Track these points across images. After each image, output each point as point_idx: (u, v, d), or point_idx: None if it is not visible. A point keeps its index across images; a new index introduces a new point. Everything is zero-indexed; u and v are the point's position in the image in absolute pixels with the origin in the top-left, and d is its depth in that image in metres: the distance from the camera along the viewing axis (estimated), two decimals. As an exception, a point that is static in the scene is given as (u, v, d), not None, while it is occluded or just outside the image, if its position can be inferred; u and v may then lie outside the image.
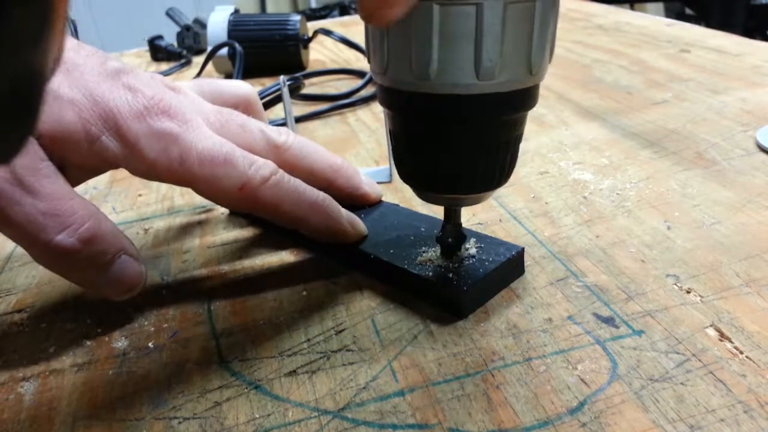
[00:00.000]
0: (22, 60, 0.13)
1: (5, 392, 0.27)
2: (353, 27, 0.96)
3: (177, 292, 0.33)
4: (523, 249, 0.31)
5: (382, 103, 0.27)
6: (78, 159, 0.29)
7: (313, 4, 2.87)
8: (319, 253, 0.35)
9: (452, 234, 0.30)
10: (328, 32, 0.74)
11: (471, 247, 0.31)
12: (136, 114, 0.29)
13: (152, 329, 0.30)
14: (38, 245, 0.27)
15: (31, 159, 0.27)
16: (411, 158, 0.28)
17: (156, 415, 0.25)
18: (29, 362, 0.29)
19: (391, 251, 0.32)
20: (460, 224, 0.30)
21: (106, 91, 0.29)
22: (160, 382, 0.27)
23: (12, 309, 0.33)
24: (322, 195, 0.32)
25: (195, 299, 0.32)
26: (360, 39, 0.72)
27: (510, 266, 0.31)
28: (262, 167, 0.30)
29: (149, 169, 0.29)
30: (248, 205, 0.31)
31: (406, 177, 0.28)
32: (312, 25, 0.88)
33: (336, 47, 0.85)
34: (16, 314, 0.33)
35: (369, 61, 0.26)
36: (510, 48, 0.23)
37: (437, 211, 0.39)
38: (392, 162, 0.44)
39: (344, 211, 0.33)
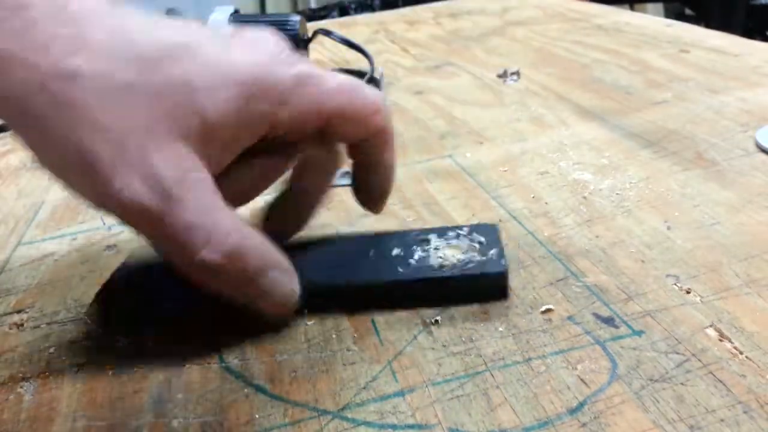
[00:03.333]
0: None
1: (5, 392, 0.27)
2: (353, 27, 0.96)
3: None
4: (505, 270, 0.30)
5: None
6: (239, 138, 0.28)
7: (313, 5, 2.87)
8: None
9: None
10: (328, 32, 0.74)
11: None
12: (275, 63, 0.28)
13: (152, 329, 0.30)
14: (185, 260, 0.26)
15: (182, 172, 0.25)
16: None
17: (156, 415, 0.25)
18: (29, 362, 0.29)
19: (398, 270, 0.30)
20: None
21: (237, 61, 0.27)
22: (160, 382, 0.27)
23: (12, 309, 0.33)
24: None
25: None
26: (360, 39, 0.72)
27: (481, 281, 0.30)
28: (382, 101, 0.31)
29: (298, 114, 0.28)
30: (373, 132, 0.30)
31: None
32: (312, 26, 0.88)
33: (336, 47, 0.85)
34: (16, 314, 0.33)
35: None
36: None
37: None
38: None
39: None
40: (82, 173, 0.25)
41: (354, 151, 0.32)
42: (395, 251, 0.32)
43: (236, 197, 0.29)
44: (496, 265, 0.30)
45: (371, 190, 0.34)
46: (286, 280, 0.28)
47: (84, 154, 0.25)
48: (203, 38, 0.27)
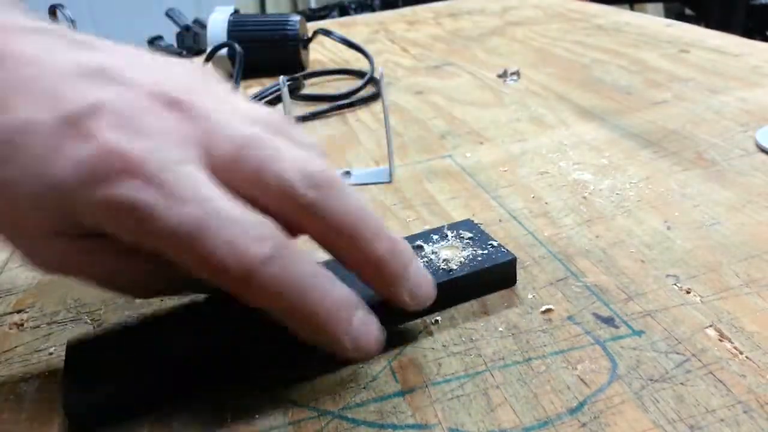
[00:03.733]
0: None
1: (5, 392, 0.27)
2: (353, 27, 0.96)
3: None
4: (514, 258, 0.30)
5: None
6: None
7: (313, 5, 2.87)
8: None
9: None
10: (327, 32, 0.74)
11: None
12: (89, 182, 0.22)
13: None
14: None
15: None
16: None
17: (156, 415, 0.25)
18: (29, 362, 0.29)
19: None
20: None
21: (55, 161, 0.22)
22: (160, 382, 0.27)
23: (12, 309, 0.33)
24: (344, 294, 0.24)
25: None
26: (359, 39, 0.72)
27: (496, 273, 0.30)
28: (261, 243, 0.22)
29: (117, 237, 0.24)
30: (239, 292, 0.23)
31: None
32: (312, 26, 0.88)
33: (336, 47, 0.85)
34: (16, 314, 0.33)
35: None
36: None
37: (437, 211, 0.38)
38: (392, 162, 0.44)
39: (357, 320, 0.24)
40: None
41: None
42: None
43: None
44: (505, 255, 0.30)
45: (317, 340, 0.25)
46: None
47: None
48: (35, 131, 0.22)
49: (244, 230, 0.22)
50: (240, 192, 0.23)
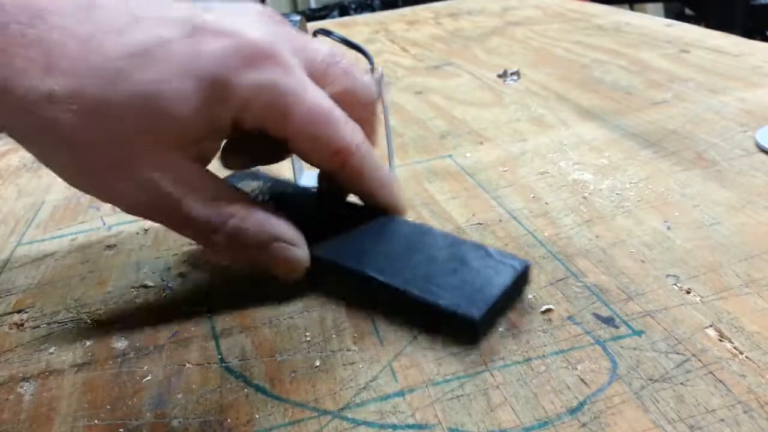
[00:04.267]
0: None
1: (5, 392, 0.27)
2: (353, 27, 0.96)
3: (177, 292, 0.33)
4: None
5: None
6: (207, 138, 0.29)
7: (313, 5, 2.87)
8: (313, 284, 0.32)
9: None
10: (328, 32, 0.74)
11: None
12: (242, 67, 0.27)
13: (152, 329, 0.30)
14: (201, 243, 0.31)
15: (174, 174, 0.28)
16: None
17: (156, 415, 0.25)
18: (29, 362, 0.29)
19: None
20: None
21: (199, 55, 0.27)
22: (160, 382, 0.27)
23: (12, 309, 0.33)
24: (387, 169, 0.33)
25: (195, 299, 0.32)
26: (360, 39, 0.72)
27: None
28: (357, 132, 0.31)
29: (258, 122, 0.29)
30: (334, 168, 0.31)
31: None
32: (312, 26, 0.88)
33: (336, 47, 0.85)
34: (16, 314, 0.33)
35: None
36: None
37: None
38: (392, 162, 0.44)
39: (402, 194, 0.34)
40: (84, 184, 0.29)
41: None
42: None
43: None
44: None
45: (375, 203, 0.34)
46: (289, 250, 0.30)
47: (79, 169, 0.28)
48: (174, 35, 0.27)
49: (347, 122, 0.30)
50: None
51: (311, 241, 0.31)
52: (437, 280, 0.28)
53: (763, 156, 0.41)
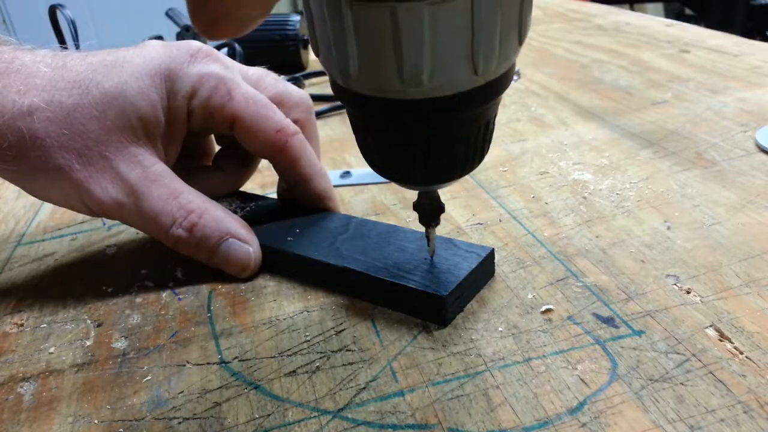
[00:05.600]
0: None
1: (5, 392, 0.27)
2: (353, 27, 0.96)
3: (177, 292, 0.33)
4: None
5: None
6: (167, 131, 0.33)
7: (313, 5, 2.86)
8: (291, 275, 0.34)
9: (427, 204, 0.29)
10: (327, 32, 0.74)
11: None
12: (186, 60, 0.33)
13: (152, 329, 0.30)
14: (162, 238, 0.33)
15: (142, 169, 0.32)
16: (366, 146, 0.26)
17: (156, 415, 0.25)
18: (29, 362, 0.29)
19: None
20: (437, 196, 0.29)
21: (153, 59, 0.33)
22: (160, 382, 0.27)
23: (12, 309, 0.33)
24: (322, 165, 0.37)
25: (195, 299, 0.33)
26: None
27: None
28: (292, 123, 0.35)
29: (205, 107, 0.33)
30: (276, 149, 0.35)
31: (367, 161, 0.26)
32: (312, 26, 0.88)
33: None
34: (16, 314, 0.33)
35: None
36: (441, 52, 0.20)
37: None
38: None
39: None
40: (66, 190, 0.32)
41: (274, 167, 0.37)
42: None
43: (224, 188, 0.38)
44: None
45: (307, 199, 0.37)
46: (242, 247, 0.33)
47: (60, 174, 0.31)
48: (129, 54, 0.33)
49: (282, 115, 0.35)
50: None
51: (293, 244, 0.34)
52: (407, 267, 0.30)
53: (763, 156, 0.41)
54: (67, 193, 0.32)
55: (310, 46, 0.26)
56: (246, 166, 0.40)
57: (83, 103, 0.31)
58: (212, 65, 0.34)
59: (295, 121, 0.36)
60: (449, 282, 0.28)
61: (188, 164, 0.37)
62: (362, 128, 0.25)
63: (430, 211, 0.29)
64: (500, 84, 0.23)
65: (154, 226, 0.32)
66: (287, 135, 0.35)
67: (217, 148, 0.41)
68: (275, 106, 0.35)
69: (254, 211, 0.37)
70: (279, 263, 0.34)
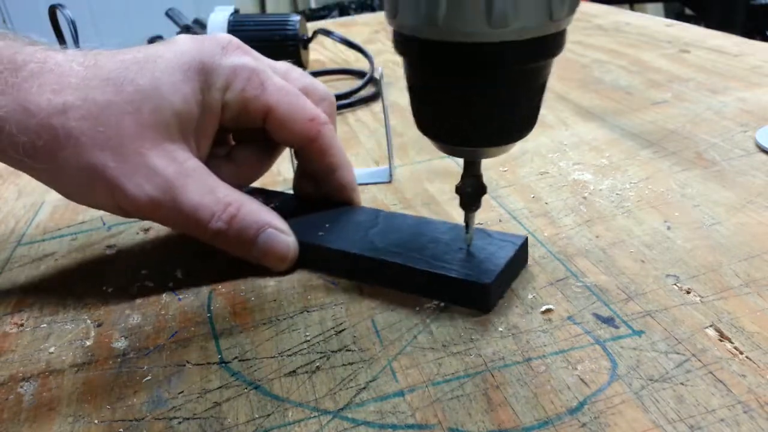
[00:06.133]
0: None
1: (5, 392, 0.27)
2: (353, 27, 0.96)
3: (177, 292, 0.33)
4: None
5: (396, 50, 0.26)
6: (201, 125, 0.33)
7: (313, 5, 2.87)
8: (325, 269, 0.34)
9: (471, 184, 0.29)
10: (327, 32, 0.74)
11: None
12: (218, 53, 0.33)
13: (152, 329, 0.30)
14: (200, 232, 0.33)
15: (177, 164, 0.32)
16: (425, 109, 0.27)
17: (156, 415, 0.25)
18: (29, 362, 0.29)
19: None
20: (480, 175, 0.29)
21: (185, 53, 0.33)
22: (160, 382, 0.27)
23: (12, 309, 0.33)
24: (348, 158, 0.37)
25: (195, 299, 0.33)
26: (360, 39, 0.72)
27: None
28: (322, 113, 0.35)
29: (240, 99, 0.34)
30: (310, 137, 0.35)
31: (422, 129, 0.28)
32: (312, 26, 0.88)
33: (336, 47, 0.85)
34: (16, 314, 0.33)
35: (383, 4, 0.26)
36: None
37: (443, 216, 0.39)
38: (392, 162, 0.44)
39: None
40: (99, 189, 0.31)
41: (301, 159, 0.38)
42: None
43: (234, 181, 0.36)
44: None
45: (332, 190, 0.37)
46: (281, 237, 0.33)
47: (94, 172, 0.31)
48: (159, 49, 0.33)
49: (313, 105, 0.35)
50: None
51: (325, 238, 0.34)
52: (445, 257, 0.31)
53: (763, 156, 0.41)
54: (101, 193, 0.31)
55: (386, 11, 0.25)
56: (260, 162, 0.39)
57: (117, 101, 0.31)
58: (244, 57, 0.34)
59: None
60: (491, 270, 0.29)
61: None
62: (435, 85, 0.25)
63: (473, 192, 0.29)
64: (563, 38, 0.25)
65: (194, 221, 0.32)
66: (320, 124, 0.35)
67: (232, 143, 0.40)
68: (305, 97, 0.35)
69: (279, 207, 0.36)
70: (311, 258, 0.34)
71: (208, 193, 0.32)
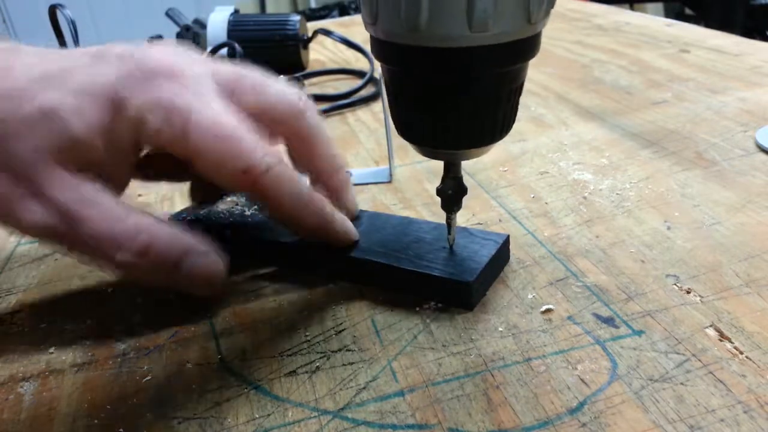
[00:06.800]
0: None
1: (5, 392, 0.27)
2: (353, 27, 0.96)
3: (177, 292, 0.33)
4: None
5: (374, 56, 0.27)
6: (107, 158, 0.29)
7: (313, 4, 2.87)
8: (310, 271, 0.34)
9: (452, 186, 0.30)
10: (327, 32, 0.74)
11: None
12: (137, 84, 0.28)
13: (152, 329, 0.30)
14: (104, 265, 0.29)
15: (73, 190, 0.28)
16: (406, 114, 0.27)
17: (156, 415, 0.25)
18: (29, 362, 0.29)
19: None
20: (461, 177, 0.30)
21: (101, 75, 0.28)
22: (160, 382, 0.27)
23: (12, 309, 0.33)
24: (318, 195, 0.31)
25: (195, 299, 0.32)
26: (360, 39, 0.72)
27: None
28: (268, 154, 0.29)
29: (157, 141, 0.29)
30: (247, 190, 0.30)
31: (401, 132, 0.28)
32: (312, 25, 0.88)
33: (336, 47, 0.85)
34: (16, 314, 0.33)
35: (361, 10, 0.26)
36: None
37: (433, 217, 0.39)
38: (392, 162, 0.44)
39: (338, 215, 0.32)
40: None
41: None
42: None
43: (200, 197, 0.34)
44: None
45: (300, 230, 0.32)
46: (205, 261, 0.30)
47: None
48: (78, 64, 0.29)
49: (256, 141, 0.29)
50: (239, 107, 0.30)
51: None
52: (428, 257, 0.31)
53: (763, 156, 0.41)
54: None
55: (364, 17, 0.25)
56: (179, 175, 0.36)
57: (11, 120, 0.27)
58: (168, 88, 0.28)
59: (285, 135, 0.32)
60: (473, 269, 0.29)
61: None
62: (413, 88, 0.26)
63: (454, 194, 0.30)
64: (538, 41, 0.25)
65: (99, 252, 0.28)
66: (255, 175, 0.28)
67: None
68: (244, 132, 0.29)
69: (263, 209, 0.36)
70: (296, 259, 0.34)
71: (116, 221, 0.28)
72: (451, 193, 0.30)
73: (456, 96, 0.25)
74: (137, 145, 0.30)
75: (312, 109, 0.33)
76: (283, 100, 0.32)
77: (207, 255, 0.30)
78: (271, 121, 0.32)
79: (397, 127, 0.28)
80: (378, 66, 0.40)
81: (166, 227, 0.29)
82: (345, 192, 0.34)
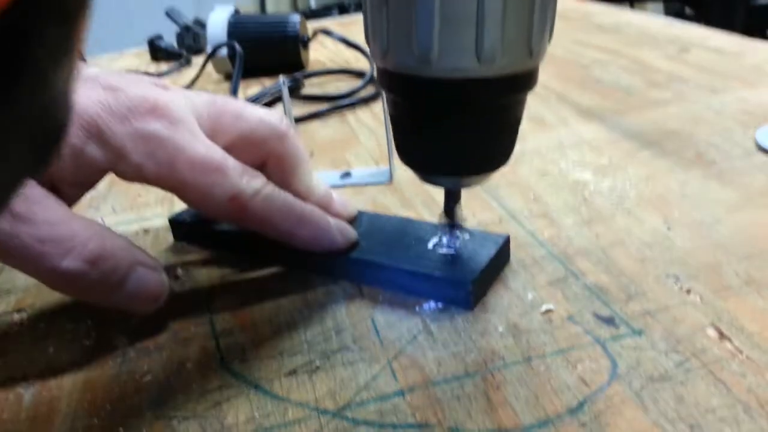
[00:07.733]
0: (47, 85, 0.12)
1: (5, 392, 0.27)
2: (353, 27, 0.96)
3: (177, 292, 0.33)
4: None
5: (382, 86, 0.27)
6: (68, 175, 0.28)
7: (313, 4, 2.87)
8: (310, 270, 0.34)
9: (455, 203, 0.31)
10: (327, 32, 0.74)
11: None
12: (119, 116, 0.28)
13: (152, 329, 0.30)
14: (44, 273, 0.26)
15: (26, 196, 0.26)
16: (411, 142, 0.28)
17: (156, 415, 0.25)
18: (29, 362, 0.29)
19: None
20: (459, 198, 0.31)
21: (83, 97, 0.28)
22: (160, 382, 0.27)
23: (12, 309, 0.33)
24: (309, 207, 0.32)
25: (195, 299, 0.32)
26: (360, 39, 0.72)
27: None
28: (254, 178, 0.30)
29: (137, 174, 0.29)
30: (237, 217, 0.30)
31: (406, 160, 0.29)
32: (312, 25, 0.88)
33: (336, 47, 0.85)
34: (16, 314, 0.33)
35: (368, 44, 0.26)
36: (511, 31, 0.23)
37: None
38: (392, 163, 0.44)
39: (332, 220, 0.32)
40: None
41: None
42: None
43: None
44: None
45: (298, 245, 0.32)
46: (153, 276, 0.29)
47: None
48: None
49: (242, 169, 0.30)
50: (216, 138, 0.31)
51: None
52: (429, 257, 0.31)
53: (763, 156, 0.41)
54: None
55: (367, 39, 0.26)
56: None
57: None
58: (153, 125, 0.28)
59: (271, 157, 0.33)
60: (473, 269, 0.30)
61: None
62: (422, 119, 0.27)
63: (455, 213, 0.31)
64: (537, 74, 0.26)
65: (39, 257, 0.26)
66: (244, 200, 0.29)
67: None
68: (229, 162, 0.29)
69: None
70: (297, 259, 0.34)
71: (63, 225, 0.26)
72: (455, 210, 0.31)
73: (462, 125, 0.26)
74: (106, 172, 0.29)
75: (292, 132, 0.34)
76: (265, 122, 0.33)
77: (156, 270, 0.29)
78: (252, 146, 0.32)
79: (399, 154, 0.29)
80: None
81: (117, 237, 0.28)
82: (330, 205, 0.35)
